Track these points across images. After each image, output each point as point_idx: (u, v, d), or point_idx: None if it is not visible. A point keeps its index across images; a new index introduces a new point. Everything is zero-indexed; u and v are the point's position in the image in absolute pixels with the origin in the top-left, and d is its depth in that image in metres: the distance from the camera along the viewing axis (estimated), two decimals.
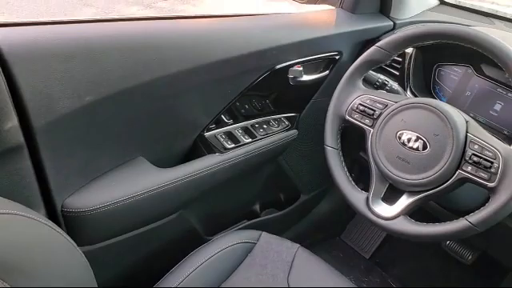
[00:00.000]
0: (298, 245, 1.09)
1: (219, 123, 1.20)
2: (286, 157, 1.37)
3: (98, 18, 0.92)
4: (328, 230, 1.80)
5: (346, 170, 1.00)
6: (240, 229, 1.38)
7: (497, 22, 1.37)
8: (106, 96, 0.88)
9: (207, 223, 1.31)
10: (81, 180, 0.93)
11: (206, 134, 1.18)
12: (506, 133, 1.10)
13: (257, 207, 1.49)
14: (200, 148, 1.16)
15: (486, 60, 0.94)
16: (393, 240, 1.76)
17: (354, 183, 0.99)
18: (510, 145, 0.93)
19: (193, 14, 1.09)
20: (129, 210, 0.98)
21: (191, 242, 1.15)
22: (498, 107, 1.12)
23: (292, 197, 1.55)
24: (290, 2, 1.36)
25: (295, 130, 1.30)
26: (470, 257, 1.47)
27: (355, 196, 0.97)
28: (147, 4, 5.14)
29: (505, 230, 1.00)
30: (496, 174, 0.80)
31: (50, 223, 0.66)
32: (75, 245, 0.69)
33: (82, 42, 0.85)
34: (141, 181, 1.01)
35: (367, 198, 0.94)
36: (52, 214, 0.89)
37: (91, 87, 0.85)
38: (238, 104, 1.21)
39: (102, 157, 0.96)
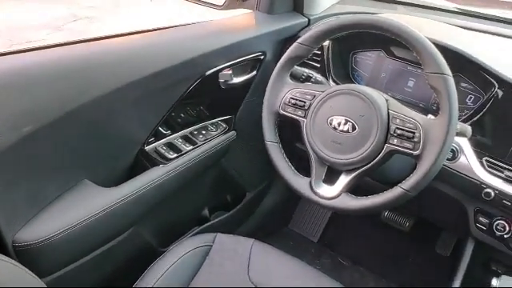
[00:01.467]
0: (253, 239, 1.13)
1: (158, 135, 1.22)
2: (227, 158, 1.41)
3: (25, 47, 0.91)
4: (276, 221, 1.87)
5: (287, 160, 1.06)
6: (193, 235, 1.41)
7: (399, 7, 1.51)
8: (44, 124, 0.87)
9: (161, 235, 1.32)
10: (29, 212, 0.92)
11: (147, 148, 1.19)
12: (421, 105, 1.23)
13: (206, 212, 1.52)
14: (143, 162, 1.18)
15: (394, 43, 1.04)
16: (337, 220, 1.86)
17: (296, 171, 1.05)
18: (426, 115, 1.04)
19: (117, 33, 1.10)
20: (82, 234, 0.98)
21: (148, 256, 1.16)
22: (411, 83, 1.24)
23: (238, 196, 1.60)
24: (208, 10, 1.39)
25: (233, 132, 1.35)
26: (407, 223, 1.60)
27: (299, 183, 1.03)
28: (55, 26, 4.95)
29: (432, 192, 1.11)
30: (419, 142, 0.90)
31: (7, 259, 0.65)
32: (37, 277, 0.69)
33: (11, 73, 0.84)
34: (89, 203, 1.00)
35: (310, 183, 1.01)
36: (3, 250, 0.87)
37: (27, 117, 0.84)
38: (173, 114, 1.23)
39: (48, 185, 0.95)
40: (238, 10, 1.39)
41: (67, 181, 1.01)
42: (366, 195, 0.96)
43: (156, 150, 1.20)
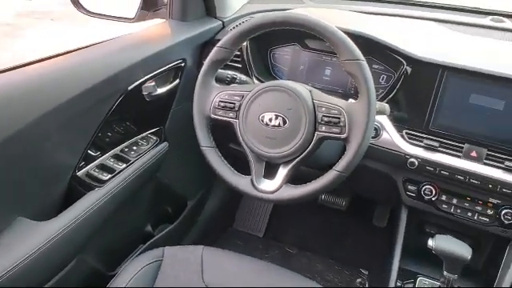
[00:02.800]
0: (202, 246, 1.14)
1: (89, 159, 1.18)
2: (163, 171, 1.40)
3: None
4: (221, 224, 1.88)
5: (226, 163, 1.08)
6: (140, 253, 1.38)
7: (306, 0, 1.58)
8: None
9: (108, 259, 1.28)
10: None
11: (79, 174, 1.15)
12: (340, 91, 1.30)
13: (149, 228, 1.50)
14: (77, 189, 1.14)
15: (308, 36, 1.09)
16: (278, 212, 1.92)
17: (236, 172, 1.07)
18: (347, 100, 1.10)
19: (37, 59, 1.06)
20: (24, 274, 0.93)
21: (98, 282, 1.12)
22: (328, 72, 1.31)
23: (180, 206, 1.59)
24: (120, 25, 1.37)
25: (165, 143, 1.34)
26: (343, 202, 1.69)
27: (241, 182, 1.05)
28: None
29: (363, 170, 1.18)
30: (345, 126, 0.96)
31: None
32: None
33: None
34: (27, 241, 0.96)
35: (251, 180, 1.04)
36: None
37: None
38: (100, 134, 1.20)
39: None
40: (151, 21, 1.38)
41: (1, 221, 0.95)
42: (306, 183, 1.00)
43: (88, 174, 1.17)
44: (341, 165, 0.96)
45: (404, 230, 1.25)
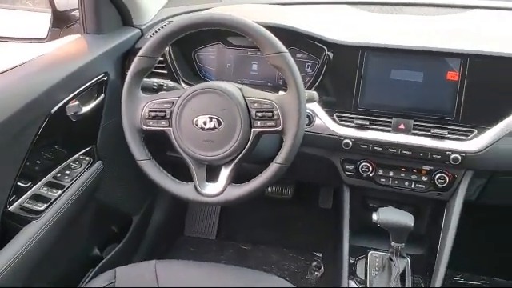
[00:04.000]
0: (154, 260, 1.11)
1: (19, 191, 1.11)
2: (102, 190, 1.35)
3: None
4: (170, 234, 1.85)
5: (166, 173, 1.06)
6: (91, 279, 1.33)
7: None
8: None
9: None
10: None
11: (11, 208, 1.08)
12: (269, 84, 1.31)
13: (96, 251, 1.44)
14: (11, 225, 1.07)
15: (230, 33, 1.10)
16: (227, 211, 1.91)
17: (178, 180, 1.06)
18: (277, 92, 1.12)
19: None
20: None
21: None
22: (255, 67, 1.32)
23: (125, 223, 1.54)
24: (34, 46, 1.30)
25: (99, 162, 1.29)
26: (289, 191, 1.72)
27: (184, 190, 1.04)
28: None
29: (302, 157, 1.20)
30: (279, 119, 0.97)
31: None
32: None
33: None
34: None
35: (195, 186, 1.03)
36: None
37: None
38: (29, 164, 1.14)
39: None
40: (66, 38, 1.32)
41: None
42: (250, 179, 1.01)
43: (22, 207, 1.10)
44: (281, 157, 0.98)
45: (348, 208, 1.29)
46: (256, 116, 0.98)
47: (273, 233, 1.86)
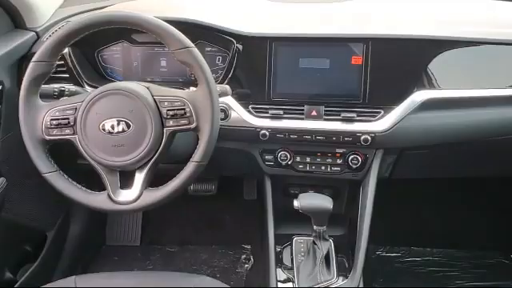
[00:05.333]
0: (73, 276, 1.05)
1: None
2: (8, 208, 1.24)
3: None
4: (91, 245, 1.76)
5: (75, 183, 0.99)
6: None
7: None
8: None
9: None
10: None
11: None
12: (181, 80, 1.28)
13: (9, 275, 1.33)
14: None
15: (134, 30, 1.05)
16: (150, 215, 1.86)
17: (89, 191, 1.00)
18: (188, 88, 1.09)
19: None
20: None
21: None
22: (164, 63, 1.28)
23: (39, 240, 1.44)
24: None
25: (2, 179, 1.19)
26: (213, 187, 1.70)
27: (97, 199, 0.98)
28: None
29: (222, 152, 1.19)
30: (192, 116, 0.95)
31: None
32: None
33: None
34: None
35: (108, 195, 0.98)
36: None
37: None
38: None
39: None
40: None
41: None
42: (168, 181, 0.98)
43: None
44: (197, 155, 0.96)
45: (271, 197, 1.30)
46: (167, 115, 0.95)
47: (200, 231, 1.83)
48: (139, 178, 0.97)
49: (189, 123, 0.95)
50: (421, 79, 1.18)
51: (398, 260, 1.72)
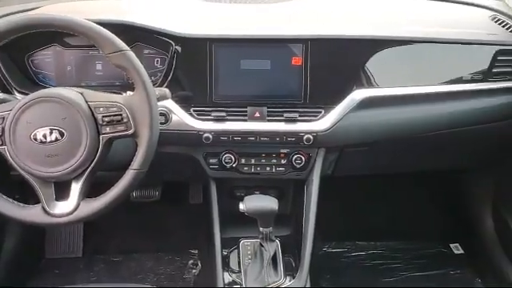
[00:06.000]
0: None
1: None
2: None
3: None
4: (29, 259, 1.67)
5: (5, 197, 0.93)
6: None
7: None
8: None
9: None
10: None
11: None
12: (118, 83, 1.23)
13: None
14: None
15: (66, 33, 1.00)
16: (92, 225, 1.78)
17: (22, 204, 0.94)
18: (125, 92, 1.06)
19: None
20: None
21: None
22: (99, 67, 1.23)
23: None
24: None
25: None
26: (156, 193, 1.66)
27: (29, 213, 0.93)
28: None
29: (164, 157, 1.15)
30: (129, 121, 0.92)
31: None
32: None
33: None
34: None
35: (43, 208, 0.93)
36: None
37: None
38: None
39: None
40: None
41: None
42: (107, 190, 0.94)
43: None
44: (137, 162, 0.93)
45: (216, 201, 1.29)
46: (103, 121, 0.92)
47: (145, 238, 1.78)
48: (76, 188, 0.93)
49: (126, 129, 0.92)
50: (359, 78, 1.20)
51: (344, 255, 1.76)
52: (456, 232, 1.82)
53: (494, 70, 1.25)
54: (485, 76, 1.25)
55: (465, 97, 1.25)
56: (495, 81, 1.25)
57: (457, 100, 1.25)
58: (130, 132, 0.92)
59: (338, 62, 1.20)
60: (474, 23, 1.36)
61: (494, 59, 1.24)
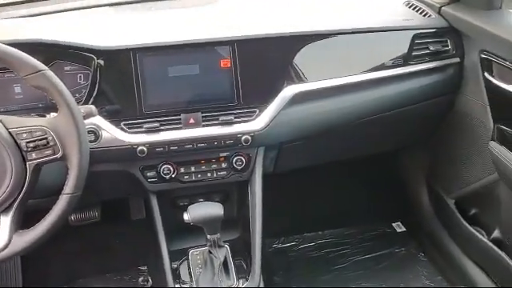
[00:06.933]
0: None
1: None
2: None
3: None
4: None
5: None
6: None
7: None
8: None
9: None
10: None
11: None
12: (41, 105, 1.17)
13: None
14: None
15: None
16: (28, 255, 1.68)
17: None
18: (49, 113, 1.00)
19: None
20: None
21: None
22: (18, 90, 1.15)
23: None
24: None
25: None
26: (96, 213, 1.59)
27: None
28: None
29: (99, 176, 1.12)
30: (56, 144, 0.87)
31: None
32: None
33: None
34: None
35: None
36: None
37: None
38: None
39: None
40: None
41: None
42: (42, 217, 0.89)
43: None
44: (69, 186, 0.88)
45: (159, 215, 1.25)
46: (28, 147, 0.86)
47: (90, 262, 1.70)
48: (5, 221, 0.87)
49: (54, 153, 0.87)
50: (289, 75, 1.22)
51: (293, 249, 1.79)
52: (397, 211, 1.90)
53: (414, 54, 1.32)
54: (405, 60, 1.31)
55: (388, 82, 1.30)
56: (415, 63, 1.32)
57: (381, 86, 1.30)
58: (59, 155, 0.87)
59: (266, 60, 1.21)
60: (390, 11, 1.43)
61: (412, 43, 1.31)
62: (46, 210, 0.90)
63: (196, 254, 1.27)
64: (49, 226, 0.88)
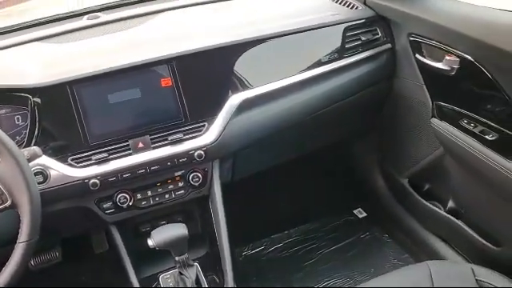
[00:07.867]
0: None
1: None
2: None
3: None
4: None
5: None
6: None
7: None
8: None
9: None
10: None
11: None
12: None
13: None
14: None
15: None
16: None
17: None
18: None
19: None
20: None
21: None
22: None
23: None
24: None
25: None
26: (57, 253, 1.52)
27: None
28: None
29: (56, 217, 1.08)
30: (3, 193, 0.84)
31: None
32: None
33: None
34: None
35: None
36: None
37: None
38: None
39: None
40: None
41: None
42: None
43: None
44: (24, 233, 0.85)
45: (123, 245, 1.22)
46: None
47: None
48: None
49: (2, 202, 0.85)
50: (233, 84, 1.23)
51: (263, 253, 1.79)
52: (356, 197, 1.95)
53: (347, 46, 1.36)
54: (340, 54, 1.35)
55: (328, 77, 1.34)
56: (350, 55, 1.37)
57: (322, 82, 1.33)
58: (8, 204, 0.84)
59: (207, 73, 1.21)
60: (318, 8, 1.47)
61: (344, 36, 1.36)
62: (2, 262, 0.86)
63: (167, 278, 1.24)
64: (8, 278, 0.84)
